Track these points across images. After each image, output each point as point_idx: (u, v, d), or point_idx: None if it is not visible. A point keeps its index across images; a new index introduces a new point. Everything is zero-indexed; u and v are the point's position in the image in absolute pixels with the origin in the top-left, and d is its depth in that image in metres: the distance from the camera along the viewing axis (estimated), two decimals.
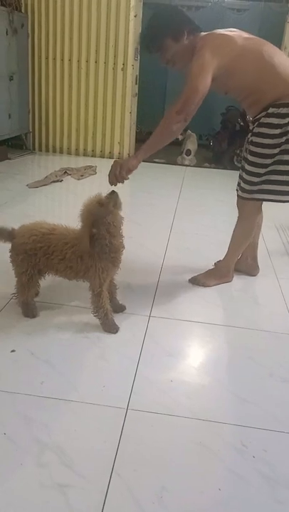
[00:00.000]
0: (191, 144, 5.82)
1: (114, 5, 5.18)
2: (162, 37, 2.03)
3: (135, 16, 5.23)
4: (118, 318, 2.01)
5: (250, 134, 2.15)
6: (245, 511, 1.22)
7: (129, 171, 2.00)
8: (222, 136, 5.73)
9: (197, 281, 2.47)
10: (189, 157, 5.81)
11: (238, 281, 2.54)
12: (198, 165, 5.82)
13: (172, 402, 1.58)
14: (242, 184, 2.23)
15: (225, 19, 6.20)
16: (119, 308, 2.11)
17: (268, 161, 2.08)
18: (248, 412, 1.57)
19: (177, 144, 5.84)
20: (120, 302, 2.12)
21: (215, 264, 2.62)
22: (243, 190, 2.22)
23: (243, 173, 2.21)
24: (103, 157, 5.74)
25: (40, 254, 1.86)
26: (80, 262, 1.84)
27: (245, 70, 2.01)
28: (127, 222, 1.91)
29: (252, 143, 2.12)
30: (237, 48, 1.98)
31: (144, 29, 2.13)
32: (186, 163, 5.77)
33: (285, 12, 5.65)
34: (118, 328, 1.96)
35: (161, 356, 1.84)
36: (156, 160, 5.63)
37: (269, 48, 2.03)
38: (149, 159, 6.04)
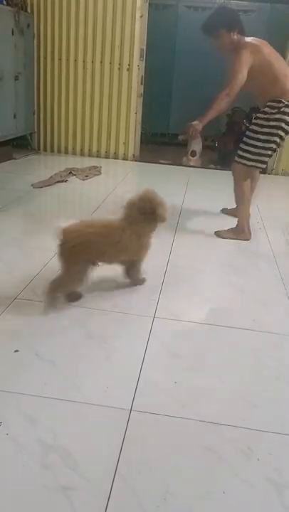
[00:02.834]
0: (197, 145, 5.80)
1: (120, 5, 5.18)
2: (219, 25, 2.90)
3: (141, 17, 5.22)
4: (123, 320, 2.01)
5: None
6: None
7: (197, 130, 2.89)
8: (228, 138, 5.70)
9: (218, 233, 3.19)
10: (194, 158, 5.79)
11: (244, 282, 2.53)
12: (204, 166, 5.80)
13: (176, 404, 1.57)
14: None
15: None
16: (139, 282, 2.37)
17: None
18: (253, 414, 1.56)
19: (183, 144, 5.83)
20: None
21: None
22: None
23: None
24: (108, 157, 5.72)
25: (93, 246, 2.02)
26: (136, 241, 2.12)
27: (262, 73, 2.85)
28: None
29: None
30: (264, 55, 2.84)
31: (208, 17, 2.98)
32: (192, 164, 5.76)
33: None
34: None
35: (166, 357, 1.83)
36: (162, 161, 5.61)
37: (279, 62, 2.91)
38: (155, 161, 5.99)
